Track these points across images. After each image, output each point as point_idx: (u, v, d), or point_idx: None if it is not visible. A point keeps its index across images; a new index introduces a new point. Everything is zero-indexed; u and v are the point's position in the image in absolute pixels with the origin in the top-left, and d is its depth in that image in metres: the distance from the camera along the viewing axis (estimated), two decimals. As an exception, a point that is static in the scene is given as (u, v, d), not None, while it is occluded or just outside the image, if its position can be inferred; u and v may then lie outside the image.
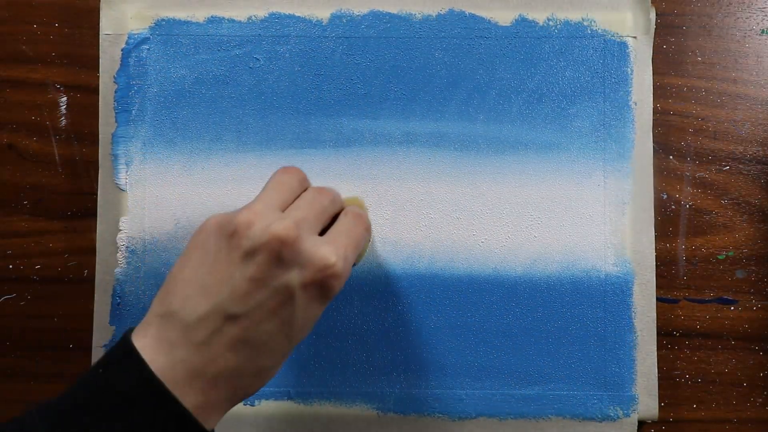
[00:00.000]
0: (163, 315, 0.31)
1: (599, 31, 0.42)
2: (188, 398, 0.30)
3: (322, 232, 0.34)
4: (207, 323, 0.30)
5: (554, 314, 0.41)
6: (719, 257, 0.42)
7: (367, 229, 0.36)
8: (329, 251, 0.31)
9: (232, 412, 0.41)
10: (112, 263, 0.42)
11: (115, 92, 0.42)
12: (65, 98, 0.43)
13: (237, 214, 0.32)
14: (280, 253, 0.31)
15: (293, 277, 0.31)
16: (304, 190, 0.35)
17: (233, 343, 0.31)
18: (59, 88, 0.43)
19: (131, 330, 0.31)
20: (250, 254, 0.31)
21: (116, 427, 0.29)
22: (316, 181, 0.42)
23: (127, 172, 0.42)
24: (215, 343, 0.30)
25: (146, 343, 0.30)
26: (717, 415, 0.42)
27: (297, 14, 0.43)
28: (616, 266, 0.41)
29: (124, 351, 0.30)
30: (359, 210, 0.36)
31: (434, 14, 0.42)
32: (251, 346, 0.31)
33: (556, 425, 0.41)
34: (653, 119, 0.42)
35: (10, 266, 0.43)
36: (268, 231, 0.31)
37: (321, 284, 0.31)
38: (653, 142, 0.42)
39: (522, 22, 0.42)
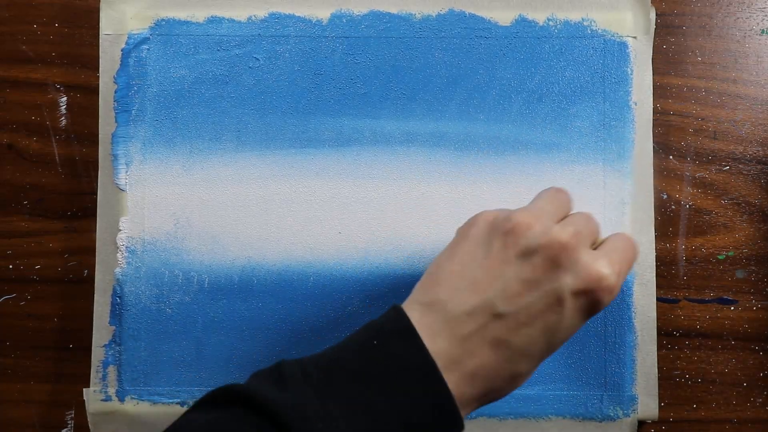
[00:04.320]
0: (429, 303, 0.31)
1: (599, 31, 0.42)
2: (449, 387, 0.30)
3: None
4: (473, 318, 0.30)
5: (554, 314, 0.41)
6: (719, 257, 0.42)
7: (637, 254, 0.34)
8: (605, 264, 0.31)
9: (232, 412, 0.41)
10: (112, 263, 0.42)
11: (115, 92, 0.42)
12: (65, 98, 0.43)
13: (515, 213, 0.32)
14: (557, 258, 0.30)
15: (566, 282, 0.30)
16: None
17: (495, 342, 0.30)
18: (59, 88, 0.43)
19: (400, 307, 0.31)
20: (526, 254, 0.31)
21: (396, 400, 0.29)
22: (315, 181, 0.42)
23: (126, 172, 0.42)
24: (477, 339, 0.30)
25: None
26: (717, 415, 0.42)
27: (297, 14, 0.43)
28: (616, 266, 0.41)
29: (403, 327, 0.30)
30: (629, 235, 0.36)
31: (434, 14, 0.42)
32: (512, 347, 0.31)
33: (556, 425, 0.41)
34: (653, 119, 0.42)
35: (10, 266, 0.43)
36: (549, 234, 0.31)
37: (592, 295, 0.31)
38: (653, 142, 0.42)
39: (522, 22, 0.42)
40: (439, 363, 0.30)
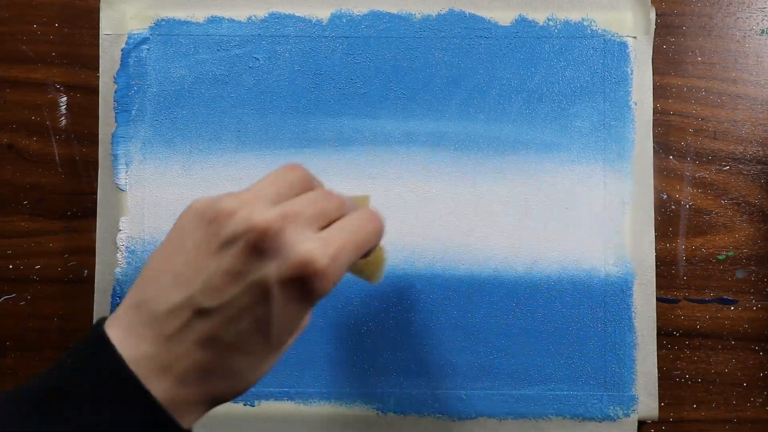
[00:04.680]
0: (135, 305, 0.29)
1: (599, 31, 0.42)
2: (158, 393, 0.28)
3: None
4: (177, 316, 0.28)
5: (554, 314, 0.41)
6: (719, 257, 0.42)
7: (378, 231, 0.31)
8: (315, 247, 0.28)
9: (232, 412, 0.41)
10: (112, 263, 0.42)
11: (115, 92, 0.42)
12: (65, 98, 0.43)
13: (222, 198, 0.29)
14: (258, 245, 0.28)
15: (270, 271, 0.28)
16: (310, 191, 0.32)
17: (203, 340, 0.28)
18: (59, 88, 0.43)
19: (104, 319, 0.29)
20: (227, 244, 0.28)
21: (89, 419, 0.27)
22: (316, 181, 0.42)
23: (126, 172, 0.42)
24: (183, 339, 0.28)
25: (117, 334, 0.28)
26: (717, 415, 0.42)
27: (297, 14, 0.43)
28: (616, 266, 0.41)
29: (95, 339, 0.28)
30: (374, 210, 0.32)
31: (434, 14, 0.42)
32: (223, 345, 0.28)
33: (556, 425, 0.41)
34: (653, 119, 0.42)
35: (10, 266, 0.43)
36: (248, 220, 0.28)
37: (301, 282, 0.28)
38: (653, 142, 0.42)
39: (522, 22, 0.42)
40: (146, 369, 0.28)
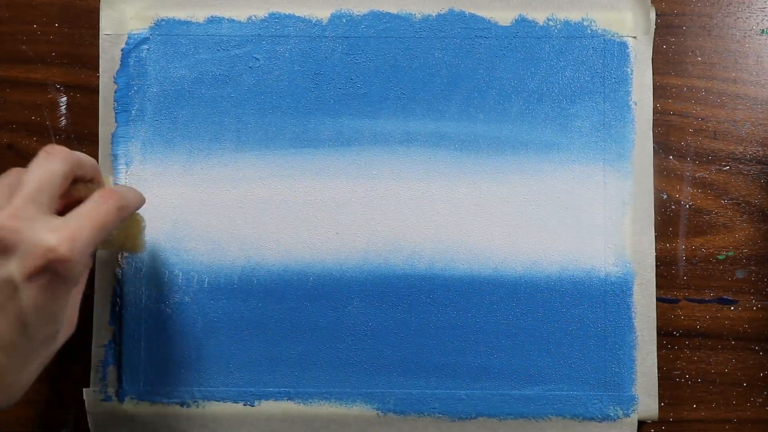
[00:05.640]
0: None
1: (599, 31, 0.42)
2: None
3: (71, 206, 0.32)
4: None
5: (554, 314, 0.41)
6: (719, 257, 0.42)
7: (119, 208, 0.32)
8: (51, 235, 0.29)
9: (232, 412, 0.41)
10: (112, 263, 0.42)
11: (115, 92, 0.42)
12: (65, 98, 0.43)
13: None
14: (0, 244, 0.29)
15: (13, 268, 0.29)
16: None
17: None
18: (59, 88, 0.43)
19: None
20: None
21: None
22: (315, 181, 0.42)
23: (126, 172, 0.42)
24: None
25: None
26: (717, 415, 0.42)
27: (297, 14, 0.43)
28: (616, 266, 0.41)
29: None
30: (113, 187, 0.33)
31: (434, 14, 0.42)
32: None
33: (556, 425, 0.41)
34: (653, 119, 0.42)
35: (10, 266, 0.43)
36: None
37: (48, 271, 0.29)
38: (653, 142, 0.42)
39: (522, 22, 0.42)
40: None
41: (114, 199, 0.32)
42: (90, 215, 0.31)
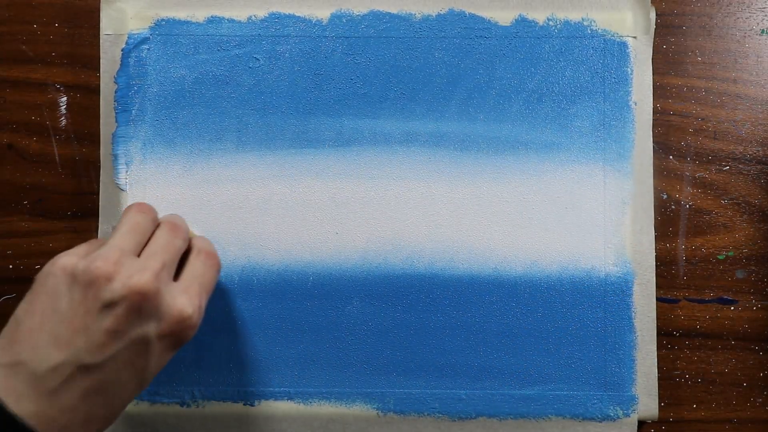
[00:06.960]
0: (10, 365, 0.30)
1: (599, 31, 0.42)
2: None
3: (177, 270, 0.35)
4: (59, 373, 0.30)
5: (554, 314, 0.41)
6: (719, 257, 0.42)
7: (218, 270, 0.37)
8: (186, 303, 0.33)
9: (232, 412, 0.41)
10: (112, 263, 0.42)
11: (116, 92, 0.42)
12: (65, 98, 0.43)
13: (93, 262, 0.31)
14: (140, 308, 0.31)
15: (151, 329, 0.32)
16: (157, 227, 0.36)
17: (86, 393, 0.31)
18: (59, 88, 0.43)
19: None
20: (109, 306, 0.31)
21: None
22: (315, 181, 0.42)
23: (127, 172, 0.42)
24: (67, 393, 0.30)
25: None
26: (717, 415, 0.42)
27: (297, 14, 0.43)
28: (616, 266, 0.41)
29: None
30: (208, 246, 0.37)
31: (434, 14, 0.42)
32: (104, 394, 0.31)
33: (556, 425, 0.41)
34: (653, 119, 0.42)
35: (10, 266, 0.43)
36: (128, 285, 0.31)
37: (177, 335, 0.33)
38: (653, 142, 0.42)
39: (522, 22, 0.42)
40: (30, 424, 0.29)
41: (216, 264, 0.37)
42: (204, 281, 0.35)
